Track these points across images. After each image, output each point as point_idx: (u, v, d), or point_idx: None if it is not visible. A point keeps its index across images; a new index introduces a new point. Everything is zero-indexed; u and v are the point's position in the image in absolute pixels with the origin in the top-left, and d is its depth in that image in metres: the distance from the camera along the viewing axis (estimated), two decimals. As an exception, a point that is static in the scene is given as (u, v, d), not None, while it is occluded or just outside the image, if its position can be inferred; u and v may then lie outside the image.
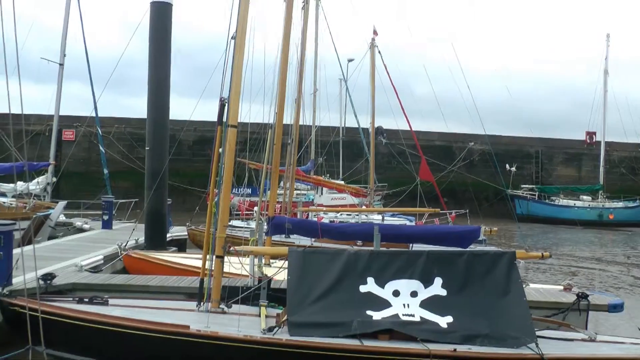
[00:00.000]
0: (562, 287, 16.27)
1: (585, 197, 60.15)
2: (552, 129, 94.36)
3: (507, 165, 58.83)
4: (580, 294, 14.75)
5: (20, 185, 29.42)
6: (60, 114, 35.26)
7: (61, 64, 33.88)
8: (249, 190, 37.84)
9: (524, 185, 60.33)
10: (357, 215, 29.81)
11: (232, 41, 12.76)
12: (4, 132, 36.98)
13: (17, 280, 14.29)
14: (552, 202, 59.74)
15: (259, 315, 11.84)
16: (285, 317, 11.24)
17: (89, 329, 11.01)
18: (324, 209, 32.49)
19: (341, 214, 30.94)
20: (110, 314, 11.38)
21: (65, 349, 11.26)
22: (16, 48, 7.34)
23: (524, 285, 12.51)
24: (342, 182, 44.16)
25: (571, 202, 59.65)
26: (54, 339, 10.77)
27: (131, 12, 56.77)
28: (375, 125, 39.03)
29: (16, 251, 14.79)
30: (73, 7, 33.56)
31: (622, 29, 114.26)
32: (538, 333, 11.34)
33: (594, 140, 64.47)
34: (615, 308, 14.82)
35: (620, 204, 59.52)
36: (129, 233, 21.20)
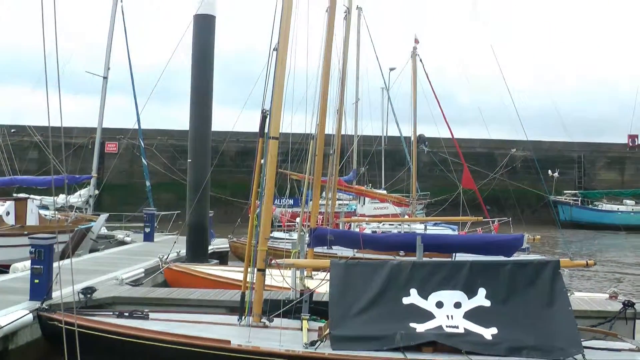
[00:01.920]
0: (607, 295, 16.05)
1: (628, 202, 59.34)
2: (595, 133, 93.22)
3: (550, 171, 58.22)
4: (626, 302, 14.50)
5: (62, 198, 29.75)
6: (104, 126, 35.67)
7: (105, 77, 34.35)
8: (291, 201, 37.83)
9: (567, 191, 59.68)
10: (400, 225, 29.61)
11: (274, 53, 12.74)
12: (46, 146, 37.56)
13: (58, 295, 14.38)
14: (595, 208, 59.02)
15: (301, 329, 11.76)
16: (327, 331, 11.16)
17: (129, 344, 10.98)
18: (366, 219, 32.35)
19: (383, 224, 30.76)
20: (150, 329, 11.36)
21: None
22: (57, 58, 7.35)
23: (568, 294, 12.34)
24: (385, 192, 43.97)
25: (615, 207, 58.89)
26: (93, 354, 10.75)
27: (175, 25, 57.24)
28: (417, 134, 38.88)
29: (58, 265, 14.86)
30: (118, 22, 34.07)
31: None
32: (584, 343, 11.19)
33: (636, 143, 63.70)
34: None
35: (665, 208, 58.63)
36: (170, 245, 21.27)
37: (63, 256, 17.31)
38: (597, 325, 13.65)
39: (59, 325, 10.97)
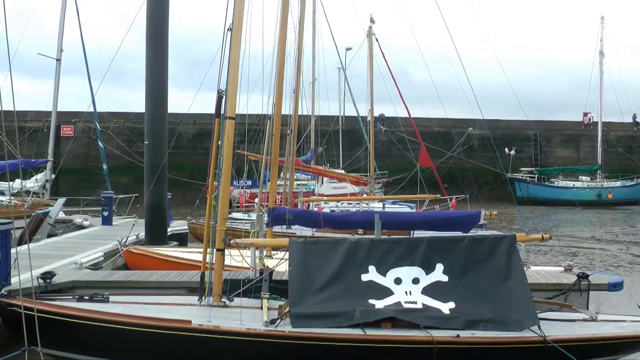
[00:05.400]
0: (562, 269, 16.32)
1: (584, 178, 60.49)
2: (550, 111, 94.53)
3: (506, 149, 59.05)
4: (580, 274, 14.83)
5: (18, 183, 29.39)
6: (59, 109, 35.18)
7: (58, 60, 33.74)
8: (250, 182, 37.80)
9: (523, 168, 60.54)
10: (358, 203, 29.74)
11: (229, 33, 12.71)
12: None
13: (17, 280, 14.22)
14: (552, 184, 60.02)
15: (261, 308, 11.82)
16: (287, 309, 11.24)
17: (89, 327, 10.91)
18: (325, 198, 32.44)
19: (342, 203, 30.84)
20: (110, 311, 11.32)
21: (66, 348, 11.14)
22: (6, 39, 7.26)
23: (525, 268, 12.60)
24: (343, 171, 44.08)
25: (570, 183, 60.03)
26: (53, 338, 10.69)
27: (128, 5, 56.47)
28: (376, 113, 38.93)
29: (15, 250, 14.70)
30: (70, 2, 33.51)
31: (617, 11, 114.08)
32: (540, 315, 11.43)
33: (591, 121, 64.62)
34: (615, 287, 14.96)
35: (618, 183, 60.05)
36: (129, 229, 21.14)
37: (21, 242, 17.16)
38: (553, 298, 13.92)
39: (19, 310, 10.88)
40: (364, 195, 33.24)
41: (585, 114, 64.91)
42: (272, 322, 10.96)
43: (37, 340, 7.96)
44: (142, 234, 22.51)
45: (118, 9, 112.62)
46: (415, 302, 11.30)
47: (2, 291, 12.51)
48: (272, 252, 17.37)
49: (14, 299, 11.33)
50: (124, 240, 19.79)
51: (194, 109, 22.79)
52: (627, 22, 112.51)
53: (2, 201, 29.75)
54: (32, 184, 32.66)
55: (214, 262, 12.32)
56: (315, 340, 10.56)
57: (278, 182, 20.36)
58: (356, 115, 48.45)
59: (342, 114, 54.70)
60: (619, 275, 17.12)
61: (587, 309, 13.45)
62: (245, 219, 21.53)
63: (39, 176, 33.71)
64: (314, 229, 20.41)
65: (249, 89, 15.24)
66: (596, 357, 11.30)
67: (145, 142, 22.92)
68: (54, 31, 34.08)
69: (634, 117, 64.74)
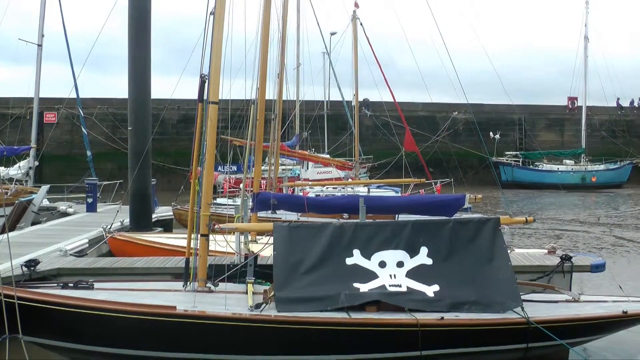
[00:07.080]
0: (546, 251, 16.40)
1: (568, 162, 60.91)
2: (536, 96, 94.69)
3: (491, 133, 59.25)
4: (563, 256, 14.94)
5: (1, 170, 29.23)
6: (41, 96, 34.90)
7: (39, 45, 33.42)
8: (235, 168, 37.74)
9: (508, 152, 60.80)
10: (343, 188, 29.77)
11: (211, 17, 12.65)
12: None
13: (2, 268, 14.17)
14: (536, 168, 60.37)
15: (246, 293, 11.82)
16: (272, 293, 11.26)
17: (73, 314, 10.82)
18: (310, 183, 32.44)
19: (327, 188, 30.87)
20: (94, 298, 11.26)
21: (50, 336, 11.03)
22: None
23: (509, 251, 12.69)
24: (328, 156, 44.10)
25: (555, 167, 60.46)
26: (37, 326, 10.60)
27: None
28: (361, 98, 38.83)
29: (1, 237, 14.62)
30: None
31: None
32: (524, 297, 11.54)
33: (575, 105, 64.90)
34: (598, 268, 15.08)
35: (602, 167, 60.62)
36: (113, 215, 21.06)
37: (3, 229, 17.04)
38: (536, 279, 14.05)
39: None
40: (349, 180, 33.27)
41: (570, 99, 65.09)
42: (257, 306, 10.97)
43: (18, 328, 7.91)
44: (127, 221, 22.46)
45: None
46: (399, 286, 11.35)
47: None
48: (257, 237, 17.41)
49: None
50: (109, 227, 19.72)
51: (177, 95, 22.58)
52: (611, 8, 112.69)
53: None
54: (15, 171, 32.44)
55: (198, 247, 12.31)
56: (300, 324, 10.58)
57: (263, 167, 20.35)
58: (341, 100, 48.42)
59: (327, 99, 54.66)
60: (602, 257, 17.26)
61: (570, 290, 13.56)
62: (230, 205, 21.53)
63: (22, 163, 33.47)
64: (299, 214, 20.41)
65: (232, 73, 15.20)
66: (579, 337, 11.48)
67: (128, 128, 22.82)
68: (35, 16, 33.72)
69: (618, 101, 65.08)
